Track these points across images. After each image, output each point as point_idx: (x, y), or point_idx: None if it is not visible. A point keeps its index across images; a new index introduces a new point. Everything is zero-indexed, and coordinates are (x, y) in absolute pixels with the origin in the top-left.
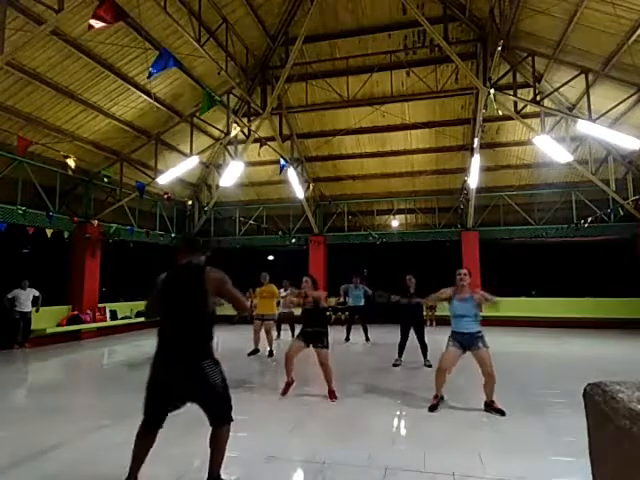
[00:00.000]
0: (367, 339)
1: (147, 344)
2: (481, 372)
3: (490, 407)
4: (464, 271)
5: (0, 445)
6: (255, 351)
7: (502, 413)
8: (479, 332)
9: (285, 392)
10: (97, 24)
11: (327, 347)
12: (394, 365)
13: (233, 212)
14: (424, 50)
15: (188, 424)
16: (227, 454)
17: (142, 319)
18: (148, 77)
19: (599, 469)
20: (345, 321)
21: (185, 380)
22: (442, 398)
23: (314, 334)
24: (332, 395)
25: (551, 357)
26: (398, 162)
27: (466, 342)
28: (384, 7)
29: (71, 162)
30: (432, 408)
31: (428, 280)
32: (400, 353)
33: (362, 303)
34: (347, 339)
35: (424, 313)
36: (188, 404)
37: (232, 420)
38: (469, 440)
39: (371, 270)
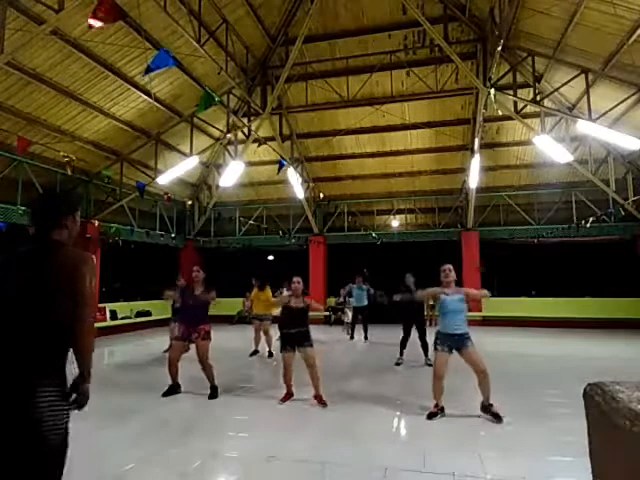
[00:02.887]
0: (366, 337)
1: (147, 344)
2: (474, 371)
3: (487, 410)
4: (448, 266)
5: None
6: (255, 352)
7: (499, 418)
8: (467, 333)
9: (284, 401)
10: (96, 24)
11: (312, 345)
12: (396, 364)
13: (233, 212)
14: (424, 50)
15: (187, 424)
16: (227, 454)
17: (143, 319)
18: (145, 74)
19: (599, 469)
20: (347, 321)
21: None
22: (442, 409)
23: (298, 335)
24: (320, 400)
25: (551, 357)
26: (398, 162)
27: (455, 344)
28: (384, 7)
29: (71, 162)
30: (431, 416)
31: (428, 280)
32: (401, 352)
33: (365, 303)
34: (352, 338)
35: (425, 312)
36: None
37: None
38: (469, 440)
39: (371, 270)
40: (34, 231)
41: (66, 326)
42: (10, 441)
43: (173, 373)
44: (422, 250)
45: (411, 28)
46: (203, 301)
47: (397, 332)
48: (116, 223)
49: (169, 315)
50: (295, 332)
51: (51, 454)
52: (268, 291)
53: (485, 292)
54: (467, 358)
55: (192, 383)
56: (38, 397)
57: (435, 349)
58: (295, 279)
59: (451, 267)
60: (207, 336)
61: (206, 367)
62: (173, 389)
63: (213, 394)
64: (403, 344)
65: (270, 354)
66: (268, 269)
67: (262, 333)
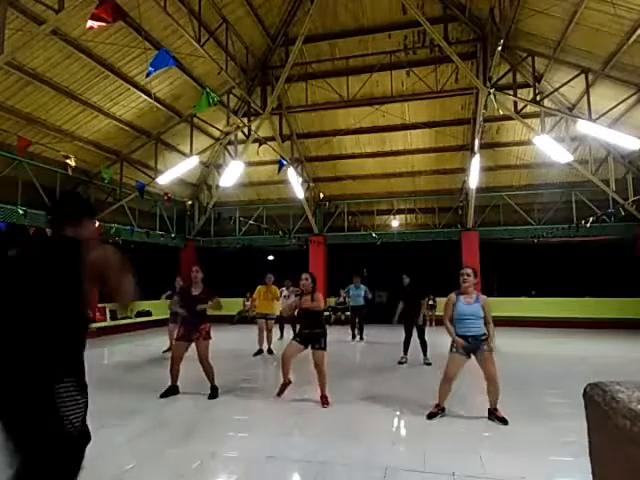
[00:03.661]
0: (361, 337)
1: (147, 344)
2: (484, 376)
3: (493, 415)
4: (467, 271)
5: (0, 445)
6: (259, 351)
7: (505, 422)
8: (484, 334)
9: (281, 393)
10: (96, 24)
11: (324, 348)
12: (399, 362)
13: (233, 212)
14: (424, 50)
15: (187, 425)
16: (227, 454)
17: (143, 319)
18: (147, 76)
19: (599, 469)
20: (346, 321)
21: (17, 414)
22: (443, 410)
23: (311, 335)
24: (325, 400)
25: (551, 357)
26: (398, 162)
27: (471, 346)
28: (384, 7)
29: (71, 162)
30: (431, 416)
31: (429, 280)
32: (405, 351)
33: (362, 303)
34: (354, 337)
35: (424, 312)
36: None
37: None
38: (469, 440)
39: (371, 270)
40: (51, 224)
41: (84, 324)
42: (31, 429)
43: (174, 374)
44: (422, 250)
45: (411, 28)
46: (201, 302)
47: (396, 332)
48: (116, 223)
49: (168, 316)
50: (309, 332)
51: (67, 441)
52: (276, 289)
53: (493, 333)
54: (480, 361)
55: (192, 383)
56: (58, 390)
57: (451, 350)
58: (303, 276)
59: (470, 272)
60: (207, 336)
61: (206, 367)
62: (172, 390)
63: (213, 394)
64: (406, 344)
65: (270, 351)
66: (268, 269)
67: (266, 331)
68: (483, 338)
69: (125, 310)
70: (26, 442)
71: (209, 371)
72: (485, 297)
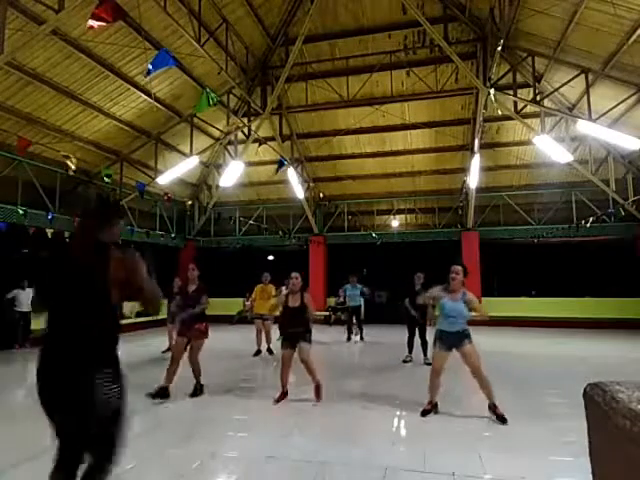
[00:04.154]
0: (361, 338)
1: (147, 344)
2: (469, 370)
3: (492, 411)
4: (457, 269)
5: (0, 445)
6: (258, 352)
7: (504, 421)
8: (466, 330)
9: (278, 401)
10: (96, 24)
11: (309, 342)
12: (404, 361)
13: (233, 212)
14: (424, 50)
15: (187, 425)
16: (227, 454)
17: (143, 319)
18: (146, 75)
19: (599, 469)
20: (345, 321)
21: (66, 399)
22: (436, 405)
23: (297, 334)
24: (317, 393)
25: (551, 357)
26: (398, 162)
27: (452, 341)
28: (384, 7)
29: (71, 164)
30: (424, 413)
31: (429, 280)
32: (410, 349)
33: (359, 302)
34: (348, 339)
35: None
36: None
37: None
38: (469, 440)
39: (371, 270)
40: (82, 228)
41: (116, 317)
42: (75, 409)
43: (172, 372)
44: (422, 250)
45: (411, 28)
46: (194, 300)
47: (394, 332)
48: None
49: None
50: (292, 332)
51: (106, 418)
52: (271, 287)
53: (485, 315)
54: (462, 354)
55: (192, 384)
56: (94, 379)
57: (434, 346)
58: (293, 274)
59: (459, 269)
60: (204, 334)
61: (195, 365)
62: (162, 392)
63: (196, 392)
64: (410, 343)
65: (270, 351)
66: (268, 269)
67: (264, 332)
68: (465, 333)
69: (154, 308)
70: (69, 421)
71: (197, 370)
72: (471, 293)
